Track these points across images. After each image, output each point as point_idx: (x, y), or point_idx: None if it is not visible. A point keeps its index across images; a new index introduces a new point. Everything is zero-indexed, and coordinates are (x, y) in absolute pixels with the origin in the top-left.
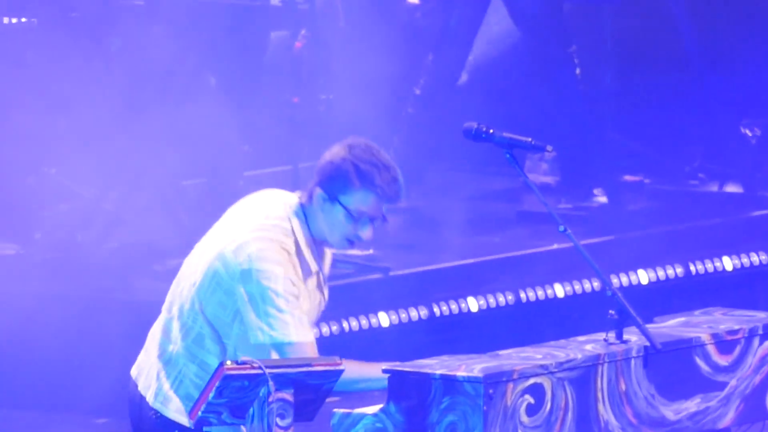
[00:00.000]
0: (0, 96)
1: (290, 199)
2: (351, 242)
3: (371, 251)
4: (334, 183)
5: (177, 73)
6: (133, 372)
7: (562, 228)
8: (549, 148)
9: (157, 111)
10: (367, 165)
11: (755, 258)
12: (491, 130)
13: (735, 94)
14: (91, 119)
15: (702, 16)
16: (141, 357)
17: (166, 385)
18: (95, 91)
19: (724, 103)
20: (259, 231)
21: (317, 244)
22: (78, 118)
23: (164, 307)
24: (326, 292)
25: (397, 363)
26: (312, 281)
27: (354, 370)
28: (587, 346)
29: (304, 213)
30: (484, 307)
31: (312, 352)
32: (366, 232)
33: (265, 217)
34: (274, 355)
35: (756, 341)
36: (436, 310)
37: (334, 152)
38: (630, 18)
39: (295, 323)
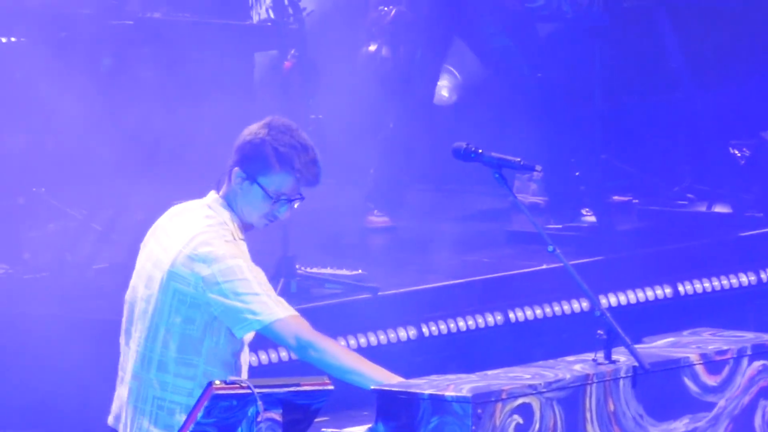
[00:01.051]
0: None
1: (207, 198)
2: (270, 221)
3: (360, 271)
4: (253, 164)
5: (166, 91)
6: (110, 421)
7: (551, 248)
8: (538, 168)
9: (148, 128)
10: (286, 147)
11: (744, 278)
12: (480, 150)
13: (723, 114)
14: (81, 139)
15: (690, 37)
16: (114, 404)
17: (146, 423)
18: (85, 110)
19: (713, 123)
20: (200, 235)
21: (245, 227)
22: (68, 138)
23: (122, 347)
24: None
25: (388, 374)
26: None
27: (352, 360)
28: (576, 366)
29: (227, 202)
30: (473, 327)
31: (301, 321)
32: (284, 213)
33: (195, 222)
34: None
35: (745, 362)
36: (425, 330)
37: (253, 131)
38: (618, 39)
39: (274, 301)
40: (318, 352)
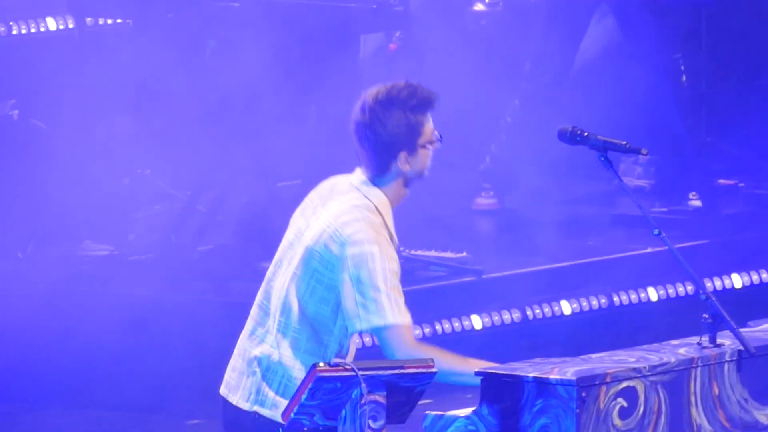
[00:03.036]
0: (96, 98)
1: (355, 177)
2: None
3: (464, 254)
4: (405, 137)
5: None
6: (223, 391)
7: (656, 231)
8: (644, 151)
9: (250, 111)
10: (409, 98)
11: None
12: (586, 133)
13: None
14: (187, 120)
15: None
16: (229, 375)
17: (271, 393)
18: (191, 92)
19: None
20: (344, 215)
21: (394, 204)
22: (173, 120)
23: (251, 318)
24: None
25: (490, 365)
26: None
27: (451, 362)
28: (681, 349)
29: (375, 185)
30: (578, 310)
31: (408, 335)
32: (437, 142)
33: (343, 202)
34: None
35: None
36: (528, 313)
37: (373, 116)
38: (724, 20)
39: (391, 305)
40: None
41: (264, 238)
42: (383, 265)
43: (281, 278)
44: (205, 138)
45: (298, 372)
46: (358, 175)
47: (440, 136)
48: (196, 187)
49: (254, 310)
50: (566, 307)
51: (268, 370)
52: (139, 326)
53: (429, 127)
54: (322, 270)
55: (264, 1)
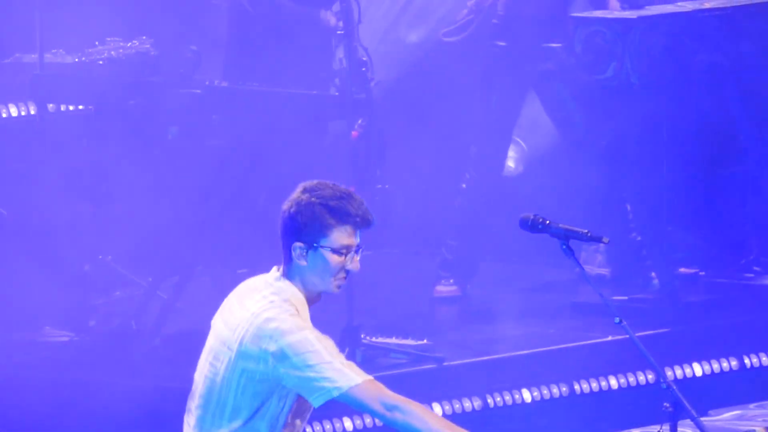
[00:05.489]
0: (57, 183)
1: (270, 275)
2: (343, 279)
3: (425, 341)
4: (309, 231)
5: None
6: None
7: (617, 319)
8: (605, 239)
9: (217, 199)
10: (334, 200)
11: None
12: (548, 221)
13: None
14: (148, 206)
15: (759, 107)
16: None
17: None
18: (152, 178)
19: None
20: (264, 313)
21: (312, 301)
22: (134, 205)
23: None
24: None
25: None
26: None
27: (440, 425)
28: None
29: (289, 279)
30: (538, 398)
31: (380, 385)
32: (355, 264)
33: (259, 300)
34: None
35: None
36: (489, 401)
37: (294, 200)
38: (688, 109)
39: (347, 367)
40: (405, 415)
41: None
42: (322, 344)
43: (206, 382)
44: (167, 223)
45: None
46: (273, 272)
47: (354, 256)
48: (157, 273)
49: (187, 416)
50: (527, 396)
51: None
52: (99, 413)
53: (343, 238)
54: (252, 367)
55: (226, 89)
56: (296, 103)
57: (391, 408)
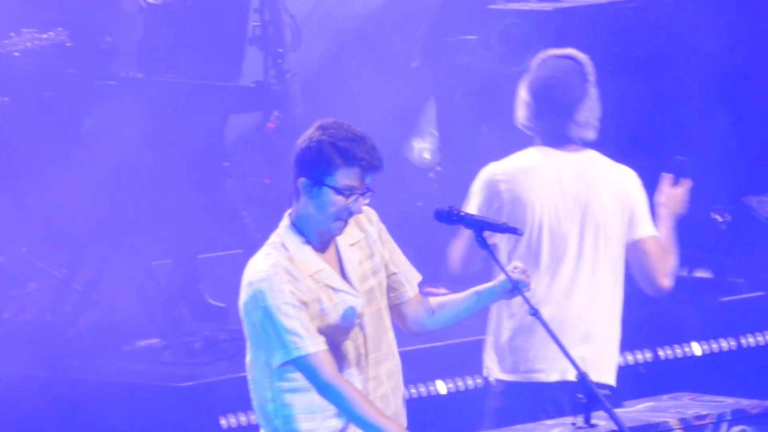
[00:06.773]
0: None
1: (282, 223)
2: (345, 220)
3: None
4: (316, 168)
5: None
6: None
7: (532, 311)
8: (520, 230)
9: (132, 191)
10: (344, 141)
11: (724, 344)
12: (462, 212)
13: (704, 179)
14: (62, 198)
15: (672, 101)
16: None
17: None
18: (67, 170)
19: (694, 188)
20: (247, 269)
21: (322, 243)
22: (49, 198)
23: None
24: (356, 279)
25: None
26: (317, 279)
27: (371, 413)
28: (555, 429)
29: (296, 225)
30: (453, 390)
31: (326, 359)
32: (358, 207)
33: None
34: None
35: (724, 426)
36: (413, 391)
37: (307, 137)
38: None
39: (305, 334)
40: (339, 395)
41: (139, 317)
42: (281, 299)
43: None
44: (82, 216)
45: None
46: (285, 217)
47: (361, 198)
48: (72, 265)
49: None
50: (441, 387)
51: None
52: (12, 406)
53: (347, 179)
54: (245, 324)
55: (141, 81)
56: (211, 94)
57: (328, 385)
